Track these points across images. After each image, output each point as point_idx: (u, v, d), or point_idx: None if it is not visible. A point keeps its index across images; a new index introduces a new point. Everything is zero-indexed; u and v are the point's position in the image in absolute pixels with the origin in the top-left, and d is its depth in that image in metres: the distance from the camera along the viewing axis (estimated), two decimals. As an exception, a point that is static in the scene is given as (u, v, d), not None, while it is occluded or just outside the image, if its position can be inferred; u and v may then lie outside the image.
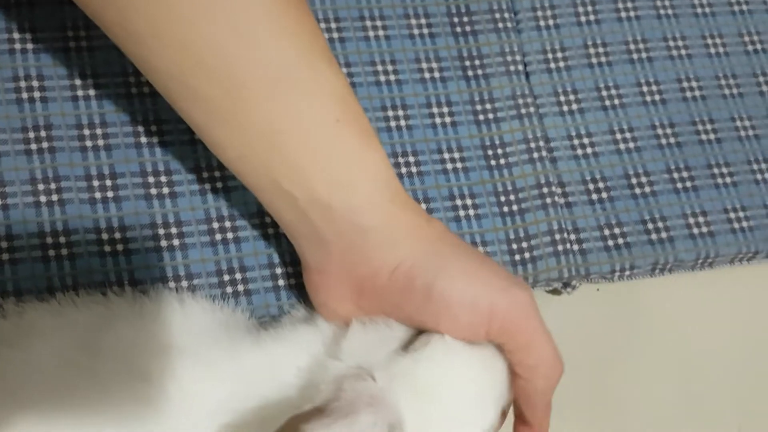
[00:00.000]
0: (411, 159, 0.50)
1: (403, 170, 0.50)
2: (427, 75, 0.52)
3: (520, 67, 0.53)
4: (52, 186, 0.44)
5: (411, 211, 0.39)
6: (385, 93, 0.51)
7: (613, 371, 0.53)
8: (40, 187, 0.44)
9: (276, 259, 0.47)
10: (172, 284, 0.44)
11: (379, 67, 0.51)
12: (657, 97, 0.55)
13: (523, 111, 0.52)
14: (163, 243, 0.45)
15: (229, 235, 0.46)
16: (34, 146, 0.45)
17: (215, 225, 0.46)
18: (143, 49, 0.36)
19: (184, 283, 0.45)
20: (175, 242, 0.45)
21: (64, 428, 0.37)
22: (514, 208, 0.50)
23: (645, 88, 0.55)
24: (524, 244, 0.50)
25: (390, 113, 0.51)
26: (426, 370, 0.36)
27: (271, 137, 0.37)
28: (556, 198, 0.51)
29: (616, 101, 0.54)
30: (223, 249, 0.46)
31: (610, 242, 0.51)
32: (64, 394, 0.38)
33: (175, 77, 0.36)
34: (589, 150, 0.53)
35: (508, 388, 0.40)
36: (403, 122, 0.50)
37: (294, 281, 0.47)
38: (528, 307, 0.38)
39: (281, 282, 0.46)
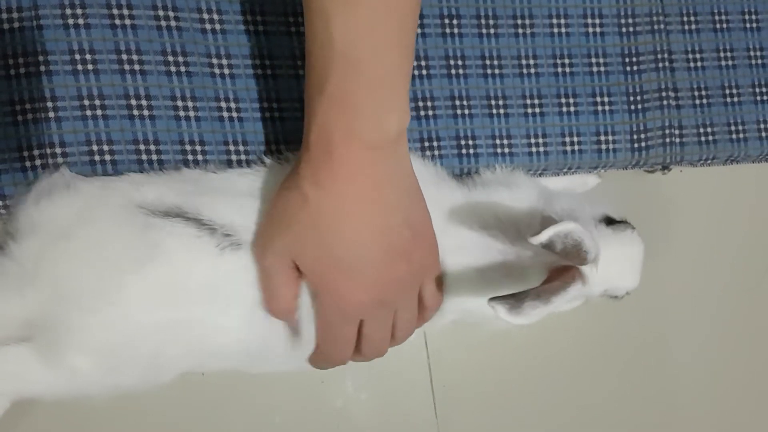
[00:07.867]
0: (566, 60, 0.62)
1: (559, 70, 0.62)
2: (585, -10, 0.63)
3: (658, -13, 0.65)
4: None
5: None
6: (545, 2, 0.62)
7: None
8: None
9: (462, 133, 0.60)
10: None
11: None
12: (755, 25, 0.68)
13: (656, 27, 0.64)
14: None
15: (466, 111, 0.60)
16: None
17: (420, 104, 0.59)
18: None
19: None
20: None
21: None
22: (639, 106, 0.64)
23: (746, 17, 0.68)
24: (642, 136, 0.64)
25: (554, 20, 0.62)
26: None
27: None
28: (671, 101, 0.65)
29: (725, 25, 0.67)
30: (426, 122, 0.59)
31: (703, 138, 0.66)
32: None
33: None
34: (699, 64, 0.66)
35: None
36: (564, 30, 0.62)
37: (473, 151, 0.61)
38: None
39: (464, 151, 0.60)
